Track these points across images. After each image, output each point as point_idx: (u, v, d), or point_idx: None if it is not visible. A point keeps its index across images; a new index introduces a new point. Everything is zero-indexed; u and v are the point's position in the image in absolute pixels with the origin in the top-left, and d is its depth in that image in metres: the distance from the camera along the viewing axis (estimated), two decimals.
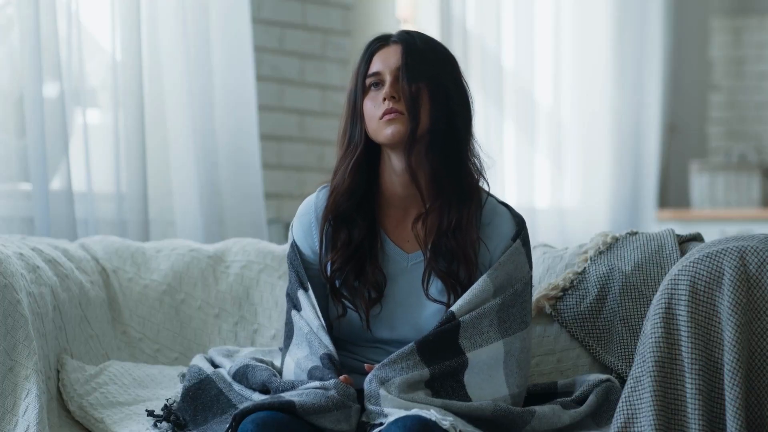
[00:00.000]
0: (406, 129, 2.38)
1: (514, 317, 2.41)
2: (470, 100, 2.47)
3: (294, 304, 2.45)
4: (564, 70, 5.50)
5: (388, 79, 2.40)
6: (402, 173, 2.43)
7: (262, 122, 3.99)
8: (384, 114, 2.39)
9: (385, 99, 2.39)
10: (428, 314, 2.42)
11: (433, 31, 4.82)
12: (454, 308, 2.36)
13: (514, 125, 5.18)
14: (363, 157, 2.43)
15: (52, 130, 3.18)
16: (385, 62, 2.42)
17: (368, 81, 2.42)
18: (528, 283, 2.45)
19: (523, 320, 2.42)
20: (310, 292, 2.43)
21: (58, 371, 2.55)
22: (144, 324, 2.83)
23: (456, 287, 2.40)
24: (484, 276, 2.39)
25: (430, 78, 2.40)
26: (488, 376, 2.34)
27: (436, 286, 2.43)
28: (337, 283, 2.43)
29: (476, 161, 2.47)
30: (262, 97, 4.05)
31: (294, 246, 2.49)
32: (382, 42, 2.45)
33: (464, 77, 2.47)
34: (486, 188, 2.48)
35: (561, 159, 5.47)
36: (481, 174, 2.46)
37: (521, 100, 5.19)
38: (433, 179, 2.42)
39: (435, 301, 2.41)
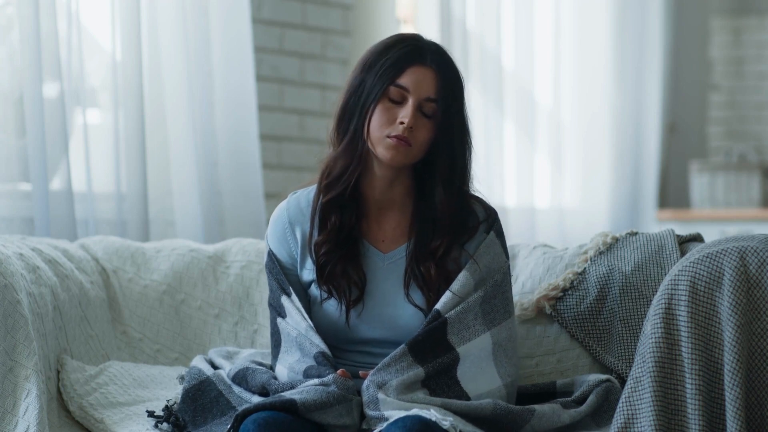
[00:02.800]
0: (407, 158, 2.39)
1: (498, 308, 2.42)
2: (470, 136, 2.45)
3: (278, 312, 2.45)
4: (564, 70, 5.49)
5: (411, 103, 2.37)
6: (381, 178, 2.44)
7: (262, 122, 3.99)
8: (395, 137, 2.37)
9: (402, 123, 2.36)
10: (408, 312, 2.43)
11: (432, 31, 4.82)
12: (438, 306, 2.37)
13: (514, 125, 5.17)
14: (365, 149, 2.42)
15: (52, 130, 3.17)
16: (417, 85, 2.37)
17: (392, 90, 2.38)
18: (507, 273, 2.47)
19: (506, 310, 2.43)
20: (294, 296, 2.43)
21: (58, 371, 2.55)
22: (144, 324, 2.83)
23: (434, 299, 2.41)
24: (464, 271, 2.41)
25: (452, 117, 2.39)
26: (479, 369, 2.35)
27: (414, 295, 2.44)
28: (323, 261, 2.43)
29: (470, 193, 2.47)
30: (262, 97, 4.05)
31: (271, 254, 2.49)
32: (418, 58, 2.38)
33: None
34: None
35: (561, 159, 5.46)
36: (469, 193, 2.46)
37: (521, 100, 5.19)
38: (443, 205, 2.42)
39: (416, 306, 2.42)
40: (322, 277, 2.43)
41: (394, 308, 2.43)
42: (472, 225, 2.45)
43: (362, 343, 2.44)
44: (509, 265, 2.49)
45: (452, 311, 2.37)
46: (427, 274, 2.41)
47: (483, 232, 2.46)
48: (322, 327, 2.43)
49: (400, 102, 2.38)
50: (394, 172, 2.43)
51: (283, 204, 2.51)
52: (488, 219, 2.47)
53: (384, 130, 2.37)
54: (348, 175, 2.41)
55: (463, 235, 2.44)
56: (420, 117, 2.37)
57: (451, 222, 2.42)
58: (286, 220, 2.48)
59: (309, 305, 2.46)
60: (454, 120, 2.39)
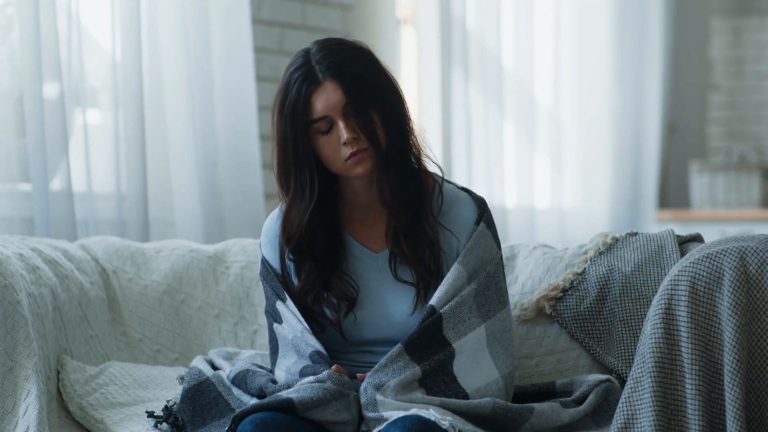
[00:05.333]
0: (375, 160, 2.36)
1: (492, 299, 2.41)
2: (399, 86, 2.41)
3: (274, 318, 2.45)
4: (564, 70, 5.50)
5: (339, 121, 2.33)
6: (360, 186, 2.43)
7: (262, 122, 3.99)
8: (350, 156, 2.34)
9: (345, 143, 2.33)
10: (404, 309, 2.42)
11: (433, 31, 4.82)
12: (432, 302, 2.37)
13: (514, 125, 5.18)
14: (319, 199, 2.39)
15: (52, 130, 3.17)
16: (329, 103, 2.33)
17: (314, 128, 2.35)
18: (499, 264, 2.46)
19: (500, 300, 2.43)
20: (289, 301, 2.43)
21: (58, 372, 2.55)
22: (144, 324, 2.83)
23: (422, 272, 2.40)
24: (456, 264, 2.39)
25: (373, 95, 2.36)
26: (475, 362, 2.35)
27: (403, 275, 2.42)
28: (307, 300, 2.43)
29: (419, 148, 2.43)
30: (262, 98, 4.05)
31: (265, 263, 2.49)
32: (313, 81, 2.34)
33: (382, 62, 2.41)
34: (438, 171, 2.47)
35: (561, 159, 5.47)
36: (420, 156, 2.43)
37: (521, 100, 5.19)
38: (395, 185, 2.40)
39: (404, 282, 2.41)
40: (307, 313, 2.43)
41: (392, 306, 2.43)
42: (428, 181, 2.43)
43: (364, 344, 2.44)
44: (501, 255, 2.48)
45: (446, 306, 2.36)
46: (398, 251, 2.41)
47: (473, 223, 2.45)
48: (322, 336, 2.44)
49: (330, 127, 2.35)
50: (368, 178, 2.42)
51: (274, 213, 2.51)
52: (478, 209, 2.46)
53: (339, 159, 2.35)
54: (303, 224, 2.39)
55: (422, 193, 2.41)
56: (353, 121, 2.35)
57: (400, 198, 2.40)
58: (278, 229, 2.48)
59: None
60: (371, 103, 2.35)
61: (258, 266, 2.89)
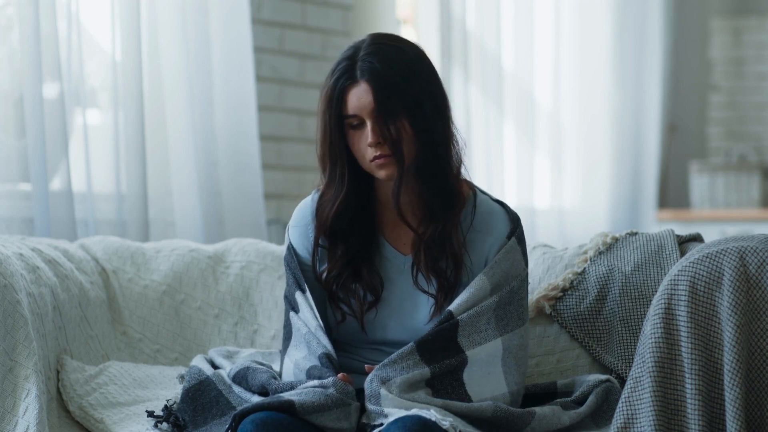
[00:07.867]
0: (398, 168, 2.36)
1: (512, 315, 2.41)
2: (446, 98, 2.41)
3: (292, 306, 2.45)
4: (564, 70, 5.50)
5: (367, 122, 2.34)
6: (391, 186, 2.43)
7: (261, 123, 3.99)
8: (374, 159, 2.35)
9: (370, 146, 2.34)
10: (425, 316, 2.42)
11: (433, 31, 4.82)
12: (451, 307, 2.36)
13: (514, 125, 5.18)
14: (351, 189, 2.40)
15: (52, 131, 3.17)
16: (360, 104, 2.34)
17: (347, 122, 2.36)
18: (524, 280, 2.46)
19: (520, 317, 2.42)
20: (308, 293, 2.43)
21: (58, 372, 2.55)
22: (144, 324, 2.83)
23: (442, 283, 2.40)
24: (481, 274, 2.39)
25: (406, 106, 2.34)
26: (486, 373, 2.35)
27: (424, 283, 2.42)
28: (334, 287, 2.44)
29: (457, 160, 2.42)
30: (262, 98, 4.05)
31: (291, 248, 2.49)
32: (350, 78, 2.35)
33: (433, 70, 2.40)
34: (467, 177, 2.46)
35: (561, 159, 5.47)
36: (461, 167, 2.43)
37: (521, 101, 5.19)
38: (421, 195, 2.40)
39: (423, 291, 2.41)
40: (332, 299, 2.43)
41: (415, 312, 2.43)
42: (461, 192, 2.42)
43: (379, 343, 2.44)
44: (527, 273, 2.47)
45: (465, 314, 2.36)
46: (421, 260, 2.41)
47: (504, 236, 2.45)
48: (339, 328, 2.44)
49: (361, 124, 2.36)
50: (400, 187, 2.41)
51: (307, 200, 2.50)
52: (511, 224, 2.45)
53: (366, 158, 2.36)
54: (335, 210, 2.40)
55: (452, 203, 2.40)
56: (379, 126, 2.34)
57: (430, 207, 2.40)
58: (310, 219, 2.48)
59: (325, 303, 2.46)
60: (402, 113, 2.35)
61: (262, 260, 2.90)
